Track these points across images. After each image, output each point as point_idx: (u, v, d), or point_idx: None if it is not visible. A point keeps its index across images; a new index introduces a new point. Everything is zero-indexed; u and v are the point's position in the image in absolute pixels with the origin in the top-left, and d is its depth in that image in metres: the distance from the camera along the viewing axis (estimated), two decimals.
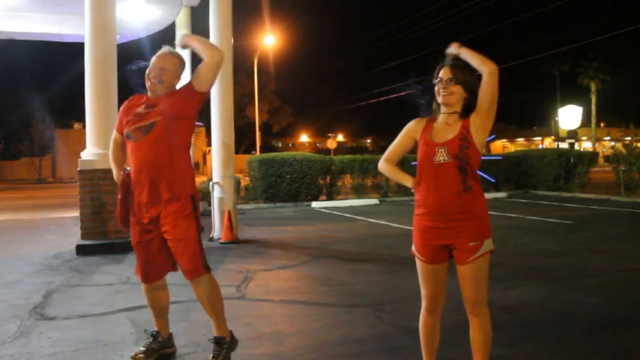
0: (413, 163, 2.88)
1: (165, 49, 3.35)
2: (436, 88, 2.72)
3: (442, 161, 2.61)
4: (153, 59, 3.32)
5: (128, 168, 3.35)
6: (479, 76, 2.69)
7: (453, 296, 2.74)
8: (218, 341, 3.35)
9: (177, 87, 3.37)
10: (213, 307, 3.34)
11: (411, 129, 2.81)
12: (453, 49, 2.74)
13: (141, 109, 3.27)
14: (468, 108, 2.69)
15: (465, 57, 2.69)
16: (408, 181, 2.79)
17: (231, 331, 3.45)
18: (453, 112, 2.70)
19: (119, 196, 3.31)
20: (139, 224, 3.29)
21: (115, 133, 3.50)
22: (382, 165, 2.91)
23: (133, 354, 3.40)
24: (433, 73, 2.76)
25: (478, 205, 2.64)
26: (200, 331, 3.93)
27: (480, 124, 2.66)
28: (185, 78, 3.45)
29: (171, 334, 3.57)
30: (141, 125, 3.22)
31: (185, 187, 3.25)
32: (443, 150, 2.61)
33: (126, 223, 3.36)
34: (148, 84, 3.29)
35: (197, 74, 3.31)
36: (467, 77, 2.69)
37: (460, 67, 2.70)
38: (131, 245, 3.46)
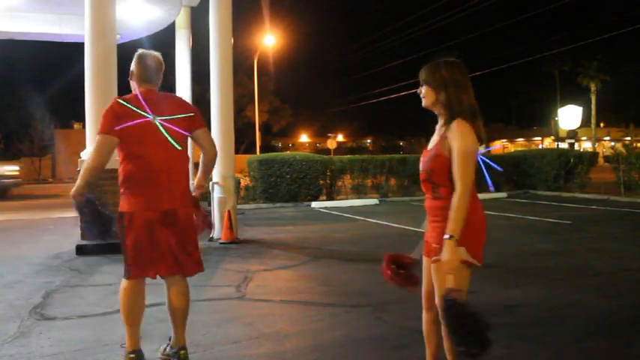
0: None
1: (147, 51, 3.34)
2: None
3: (421, 170, 2.68)
4: (141, 60, 3.28)
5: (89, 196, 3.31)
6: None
7: None
8: (185, 348, 3.27)
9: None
10: (185, 313, 3.27)
11: None
12: None
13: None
14: (445, 109, 2.57)
15: None
16: None
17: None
18: (443, 118, 2.62)
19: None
20: (144, 220, 3.20)
21: (104, 137, 3.10)
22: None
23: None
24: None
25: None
26: (200, 331, 3.93)
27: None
28: None
29: (170, 337, 3.55)
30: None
31: (188, 191, 3.43)
32: (422, 159, 2.68)
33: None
34: (149, 86, 3.26)
35: (202, 139, 3.37)
36: (430, 75, 2.58)
37: (429, 67, 2.60)
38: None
